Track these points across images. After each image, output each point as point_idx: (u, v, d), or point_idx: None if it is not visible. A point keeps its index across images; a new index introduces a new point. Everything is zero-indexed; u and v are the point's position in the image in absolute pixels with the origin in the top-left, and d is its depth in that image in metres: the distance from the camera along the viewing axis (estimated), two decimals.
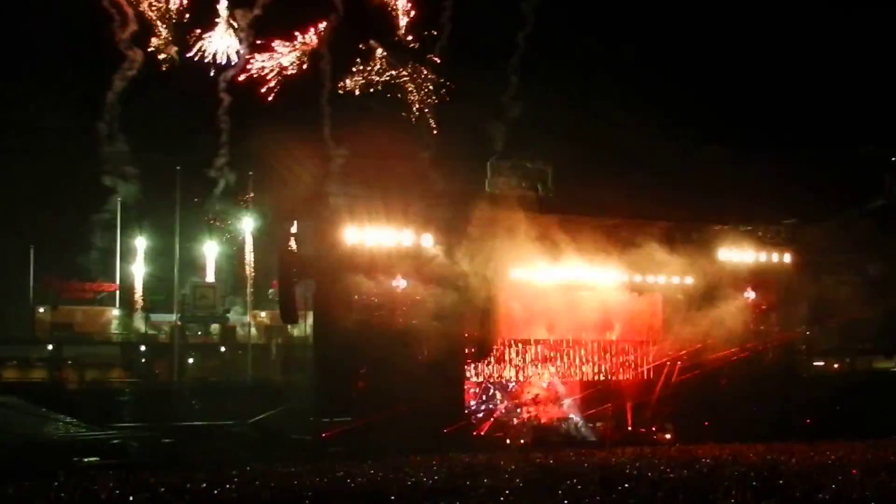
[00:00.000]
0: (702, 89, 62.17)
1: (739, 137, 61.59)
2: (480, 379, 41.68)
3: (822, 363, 53.79)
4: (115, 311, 61.60)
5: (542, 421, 41.54)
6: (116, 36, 56.83)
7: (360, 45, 60.66)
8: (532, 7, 53.00)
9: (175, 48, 59.05)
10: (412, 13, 59.96)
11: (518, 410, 42.12)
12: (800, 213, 49.16)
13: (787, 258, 45.66)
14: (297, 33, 60.51)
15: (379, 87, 60.56)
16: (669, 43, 60.86)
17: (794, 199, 51.04)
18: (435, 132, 61.35)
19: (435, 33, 59.39)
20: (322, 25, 60.08)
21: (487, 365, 41.32)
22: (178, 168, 58.82)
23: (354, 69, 60.53)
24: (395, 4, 59.81)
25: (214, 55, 59.71)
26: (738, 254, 44.67)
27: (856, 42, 64.47)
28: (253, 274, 62.28)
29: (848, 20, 64.56)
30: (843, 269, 50.06)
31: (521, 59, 53.23)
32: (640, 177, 48.49)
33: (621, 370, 43.62)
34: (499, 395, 42.53)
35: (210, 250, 64.76)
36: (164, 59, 58.99)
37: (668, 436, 41.58)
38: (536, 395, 42.61)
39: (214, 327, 60.71)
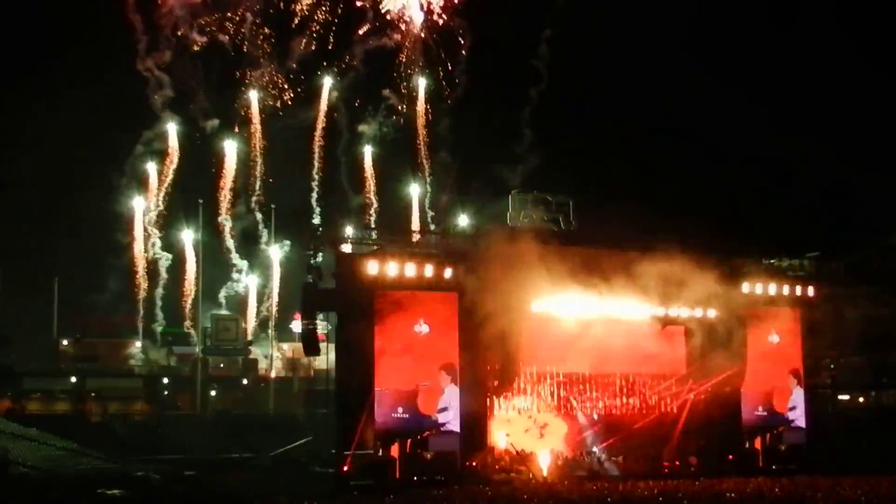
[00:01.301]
0: (726, 126, 62.61)
1: (763, 172, 61.89)
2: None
3: (847, 397, 53.40)
4: (138, 344, 61.89)
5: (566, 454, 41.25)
6: (149, 98, 58.01)
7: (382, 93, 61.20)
8: (544, 64, 53.48)
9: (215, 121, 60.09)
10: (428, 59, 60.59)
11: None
12: (821, 247, 49.17)
13: (811, 291, 45.54)
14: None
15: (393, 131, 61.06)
16: (691, 78, 61.43)
17: (816, 233, 51.09)
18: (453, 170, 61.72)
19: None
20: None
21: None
22: (200, 201, 59.50)
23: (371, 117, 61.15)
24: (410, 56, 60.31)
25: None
26: (762, 287, 44.62)
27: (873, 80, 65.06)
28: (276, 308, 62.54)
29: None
30: (866, 302, 49.86)
31: (533, 112, 53.57)
32: (663, 210, 48.33)
33: (645, 403, 43.37)
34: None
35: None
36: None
37: (692, 469, 41.33)
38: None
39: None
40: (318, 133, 61.12)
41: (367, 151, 61.22)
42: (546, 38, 55.83)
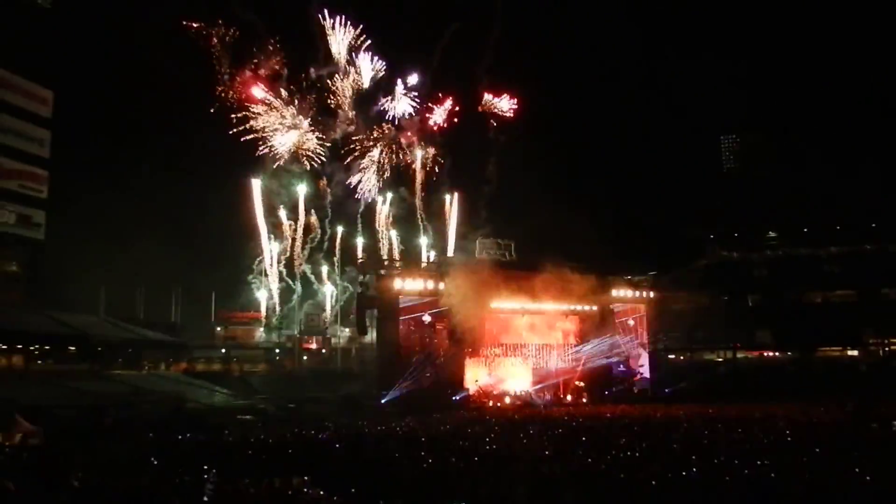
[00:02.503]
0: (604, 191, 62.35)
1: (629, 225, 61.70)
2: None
3: (673, 356, 53.05)
4: (261, 330, 61.36)
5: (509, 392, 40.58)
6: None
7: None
8: (495, 169, 53.02)
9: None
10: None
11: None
12: (657, 268, 49.26)
13: (651, 295, 45.54)
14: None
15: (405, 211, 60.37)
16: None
17: (652, 261, 51.02)
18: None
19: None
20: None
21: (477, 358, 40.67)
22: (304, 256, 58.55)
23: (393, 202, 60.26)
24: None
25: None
26: (622, 292, 44.61)
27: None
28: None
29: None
30: (683, 301, 49.90)
31: (489, 198, 52.79)
32: (566, 248, 47.95)
33: (556, 362, 42.92)
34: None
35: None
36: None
37: (584, 401, 40.83)
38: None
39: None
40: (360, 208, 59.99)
41: (386, 215, 60.66)
42: (492, 163, 55.37)
